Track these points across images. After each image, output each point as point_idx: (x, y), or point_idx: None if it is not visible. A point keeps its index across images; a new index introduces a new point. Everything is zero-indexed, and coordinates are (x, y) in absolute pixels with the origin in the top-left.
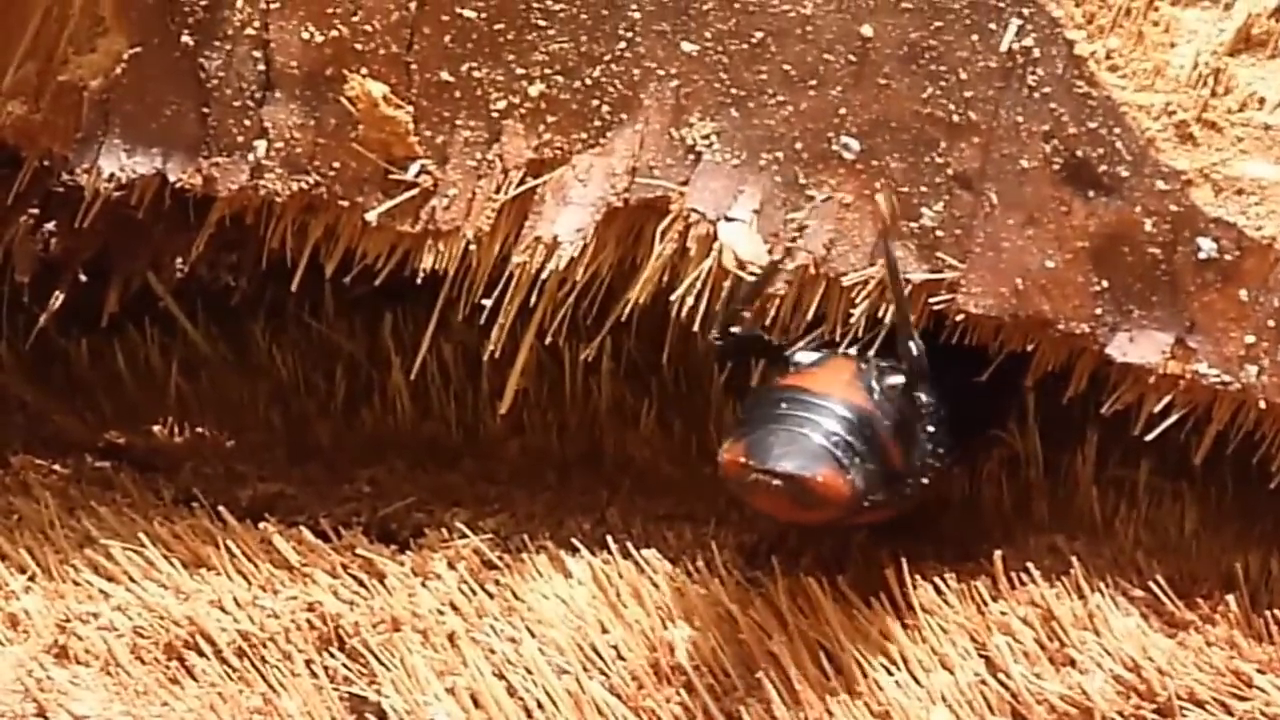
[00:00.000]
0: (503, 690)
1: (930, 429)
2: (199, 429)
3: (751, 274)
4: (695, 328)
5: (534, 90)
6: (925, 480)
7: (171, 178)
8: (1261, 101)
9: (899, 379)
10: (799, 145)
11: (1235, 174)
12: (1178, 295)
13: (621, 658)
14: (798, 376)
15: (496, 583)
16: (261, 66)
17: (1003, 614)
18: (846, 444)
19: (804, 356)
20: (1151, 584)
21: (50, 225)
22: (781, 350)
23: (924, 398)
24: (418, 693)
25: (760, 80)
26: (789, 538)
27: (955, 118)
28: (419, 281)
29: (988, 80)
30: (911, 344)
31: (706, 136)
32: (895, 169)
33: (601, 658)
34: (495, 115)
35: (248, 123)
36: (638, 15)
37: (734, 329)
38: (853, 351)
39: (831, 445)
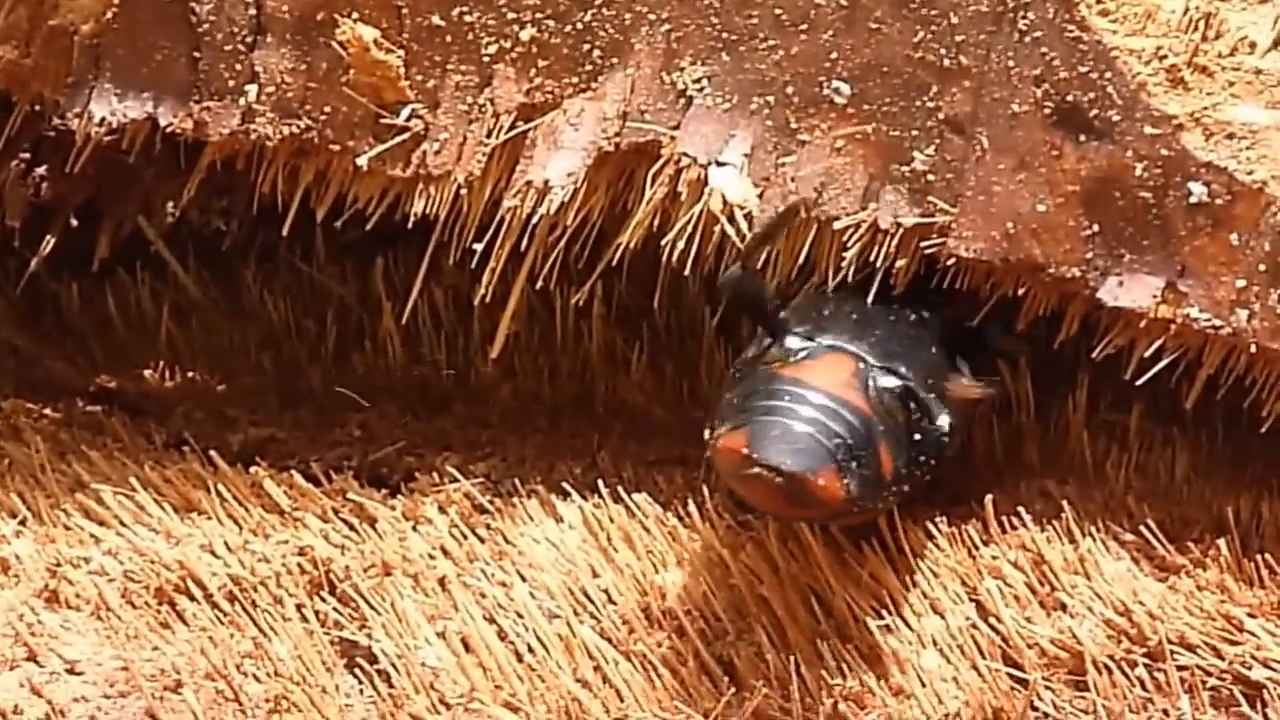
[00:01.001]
0: (493, 634)
1: (917, 437)
2: (190, 373)
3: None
4: (687, 271)
5: (525, 35)
6: (906, 489)
7: (162, 122)
8: (1252, 46)
9: (896, 382)
10: (790, 89)
11: (1226, 118)
12: (1168, 239)
13: (612, 602)
14: (798, 369)
15: (487, 527)
16: (252, 11)
17: (994, 558)
18: (848, 448)
19: (796, 343)
20: (1142, 528)
21: (41, 170)
22: (777, 315)
23: (915, 405)
24: (408, 637)
25: (751, 24)
26: None
27: (946, 62)
28: (410, 226)
29: (979, 25)
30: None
31: (698, 81)
32: (886, 113)
33: (592, 602)
34: (486, 60)
35: (239, 67)
36: None
37: (744, 269)
38: (852, 349)
39: (834, 448)
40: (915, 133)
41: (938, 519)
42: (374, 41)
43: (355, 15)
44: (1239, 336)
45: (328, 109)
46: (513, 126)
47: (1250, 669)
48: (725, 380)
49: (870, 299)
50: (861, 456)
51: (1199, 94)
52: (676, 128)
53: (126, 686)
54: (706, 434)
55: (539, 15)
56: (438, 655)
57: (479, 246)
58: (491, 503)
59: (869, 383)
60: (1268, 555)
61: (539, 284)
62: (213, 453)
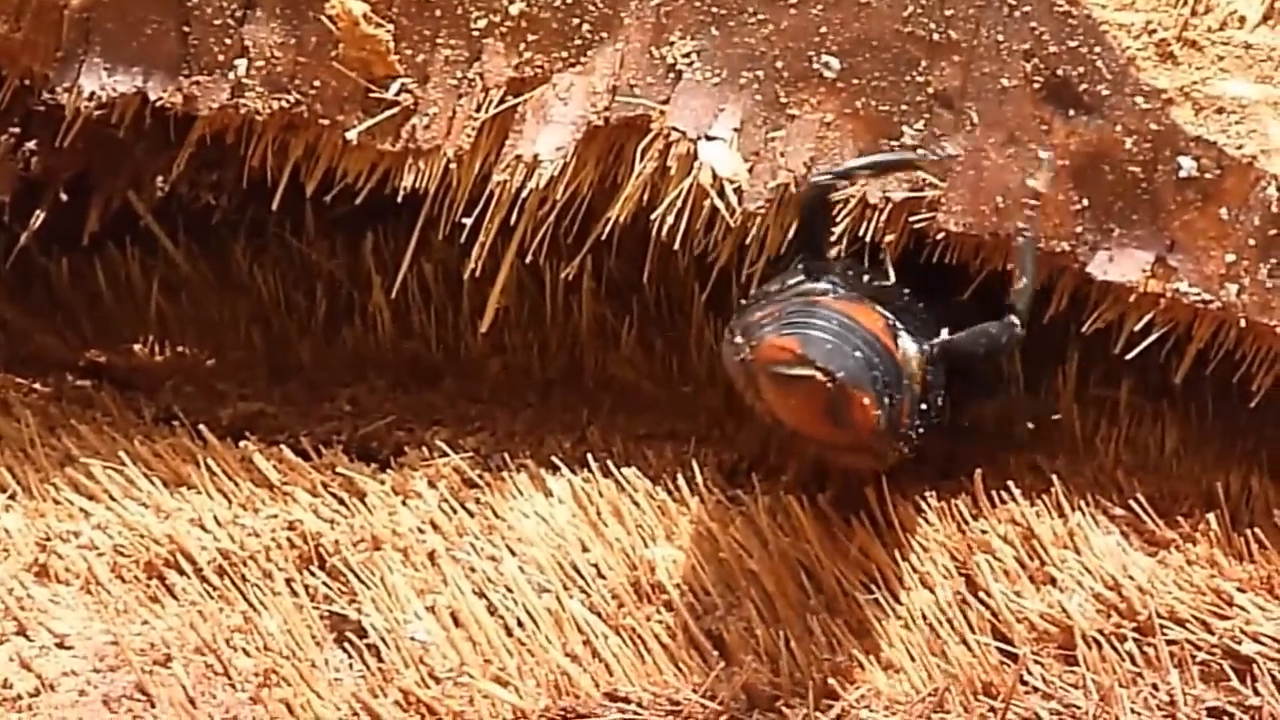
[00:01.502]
0: (483, 608)
1: (923, 406)
2: (180, 348)
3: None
4: (676, 245)
5: (515, 8)
6: (904, 449)
7: (152, 96)
8: (1242, 20)
9: (915, 348)
10: (779, 64)
11: (1216, 93)
12: (1158, 214)
13: (602, 576)
14: (845, 304)
15: (477, 501)
16: None
17: (983, 532)
18: (885, 383)
19: (831, 285)
20: (1132, 502)
21: (31, 144)
22: (826, 251)
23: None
24: (398, 611)
25: None
26: (769, 456)
27: (936, 36)
28: (399, 200)
29: None
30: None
31: (687, 55)
32: (876, 88)
33: (582, 576)
34: (476, 34)
35: (228, 41)
36: None
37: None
38: (880, 310)
39: (876, 377)
40: (904, 107)
41: (927, 494)
42: (363, 16)
43: None
44: (1228, 311)
45: (317, 83)
46: (502, 101)
47: (1240, 643)
48: (747, 303)
49: (893, 279)
50: (894, 396)
51: (1188, 68)
52: (666, 102)
53: (116, 661)
54: (735, 345)
55: None
56: (427, 629)
57: (468, 221)
58: (481, 477)
59: (897, 339)
60: (1257, 530)
61: (528, 258)
62: (202, 427)
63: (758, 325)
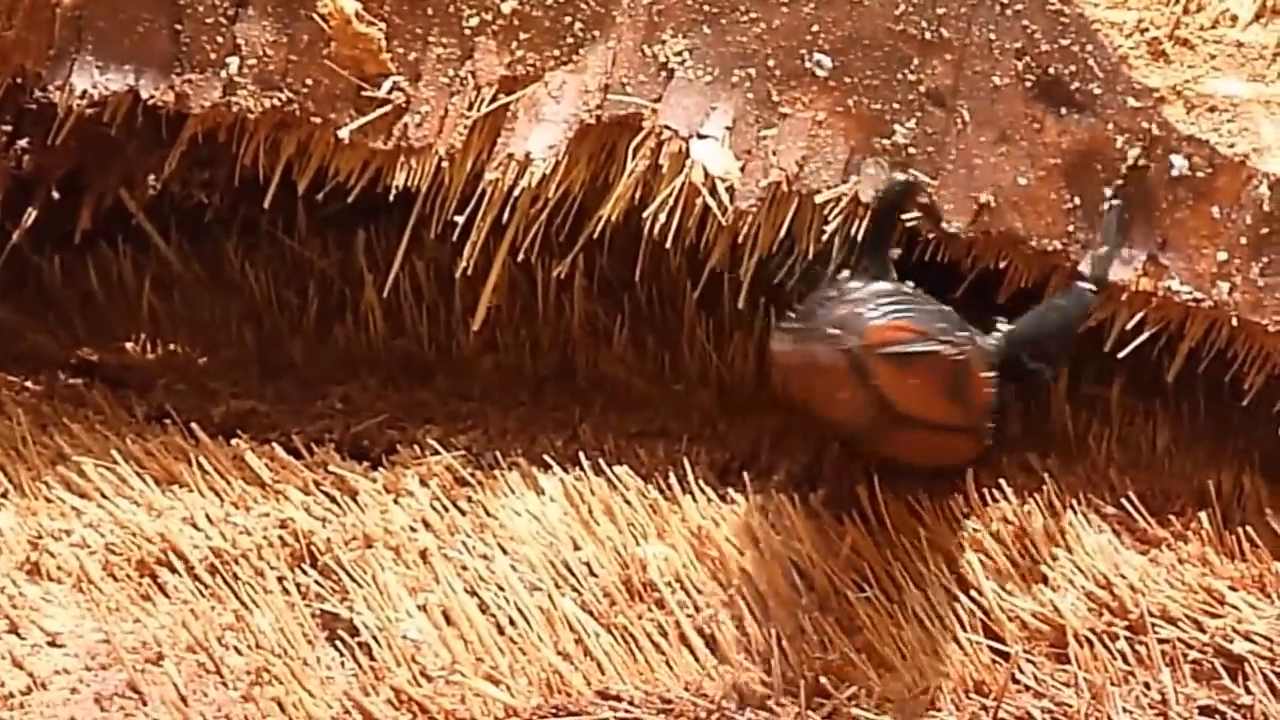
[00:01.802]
0: (475, 607)
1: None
2: (171, 346)
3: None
4: (668, 244)
5: (507, 7)
6: (985, 440)
7: (144, 94)
8: (1234, 19)
9: (993, 344)
10: (771, 62)
11: (1207, 91)
12: (1150, 212)
13: (594, 574)
14: (930, 297)
15: (469, 499)
16: None
17: (975, 531)
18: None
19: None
20: (1124, 501)
21: (23, 142)
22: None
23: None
24: (390, 609)
25: None
26: (761, 455)
27: (928, 35)
28: (391, 199)
29: None
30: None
31: (679, 53)
32: (868, 86)
33: (574, 574)
34: (468, 32)
35: (220, 39)
36: None
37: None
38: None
39: (986, 354)
40: (896, 106)
41: (919, 492)
42: (355, 14)
43: None
44: (1220, 309)
45: (309, 81)
46: (494, 99)
47: (1231, 642)
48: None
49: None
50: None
51: (1180, 67)
52: (658, 100)
53: (108, 659)
54: (831, 337)
55: None
56: (419, 627)
57: (460, 219)
58: (473, 475)
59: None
60: (1249, 528)
61: (520, 257)
62: (194, 425)
63: (855, 317)
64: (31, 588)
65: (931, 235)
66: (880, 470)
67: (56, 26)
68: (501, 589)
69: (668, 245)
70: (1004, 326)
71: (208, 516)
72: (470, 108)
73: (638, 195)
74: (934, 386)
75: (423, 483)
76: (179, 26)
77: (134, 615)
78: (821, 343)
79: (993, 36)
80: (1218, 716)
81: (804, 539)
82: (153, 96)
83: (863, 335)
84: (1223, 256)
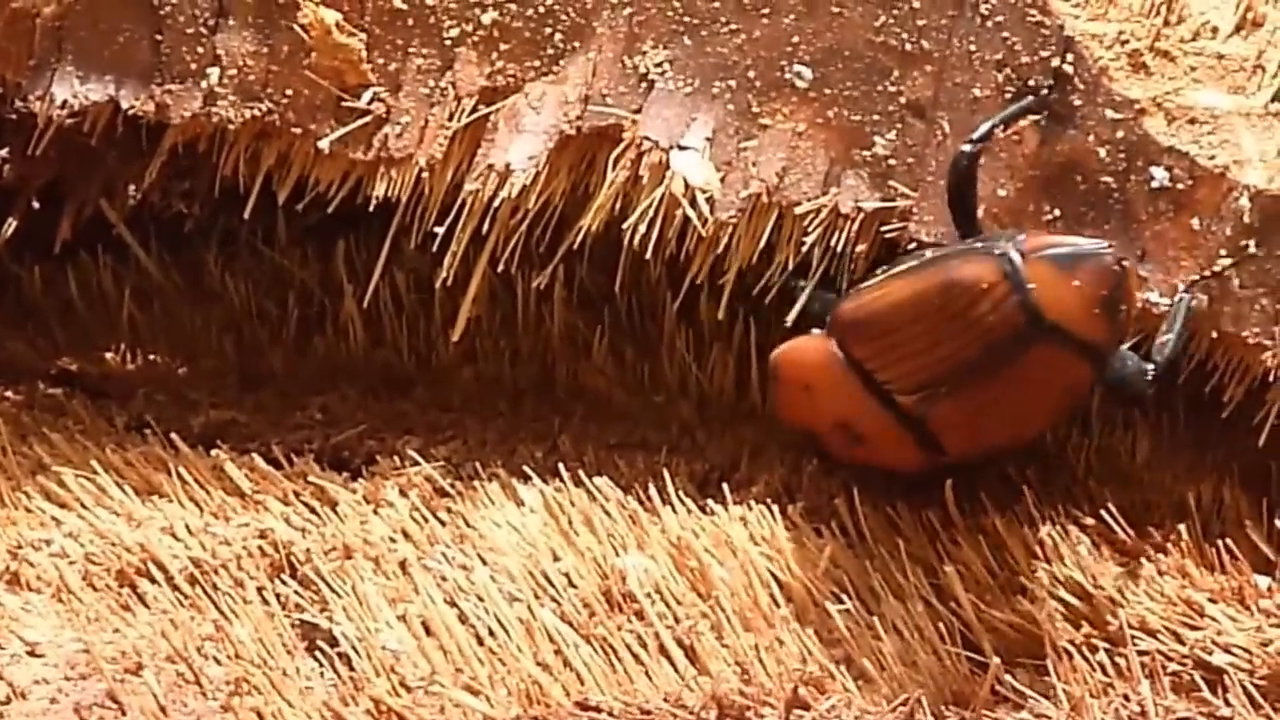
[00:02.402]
0: (454, 618)
1: None
2: (151, 356)
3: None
4: (648, 255)
5: (487, 18)
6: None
7: (124, 105)
8: (1214, 30)
9: None
10: (752, 73)
11: (1188, 103)
12: (1130, 224)
13: (573, 585)
14: None
15: (448, 510)
16: None
17: (954, 542)
18: None
19: None
20: (1103, 512)
21: (3, 152)
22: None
23: None
24: (369, 620)
25: (713, 8)
26: (740, 466)
27: (908, 46)
28: (371, 209)
29: (940, 9)
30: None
31: (659, 64)
32: (848, 97)
33: (553, 585)
34: (448, 43)
35: (201, 50)
36: None
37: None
38: None
39: None
40: (877, 117)
41: (897, 503)
42: (336, 25)
43: None
44: (1200, 321)
45: (289, 92)
46: (474, 110)
47: (1211, 654)
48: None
49: None
50: None
51: (1161, 79)
52: (638, 111)
53: (87, 669)
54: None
55: None
56: (398, 638)
57: (440, 230)
58: (452, 486)
59: None
60: (1228, 540)
61: (500, 267)
62: (174, 435)
63: (1004, 235)
64: (11, 598)
65: (912, 246)
66: (859, 481)
67: (37, 37)
68: (481, 600)
69: (648, 256)
70: None
71: (187, 527)
72: (450, 118)
73: (618, 206)
74: (1093, 293)
75: (402, 493)
76: (159, 37)
77: (113, 625)
78: (962, 259)
79: (973, 48)
80: None
81: (783, 550)
82: (133, 107)
83: (1023, 241)
84: (1202, 268)
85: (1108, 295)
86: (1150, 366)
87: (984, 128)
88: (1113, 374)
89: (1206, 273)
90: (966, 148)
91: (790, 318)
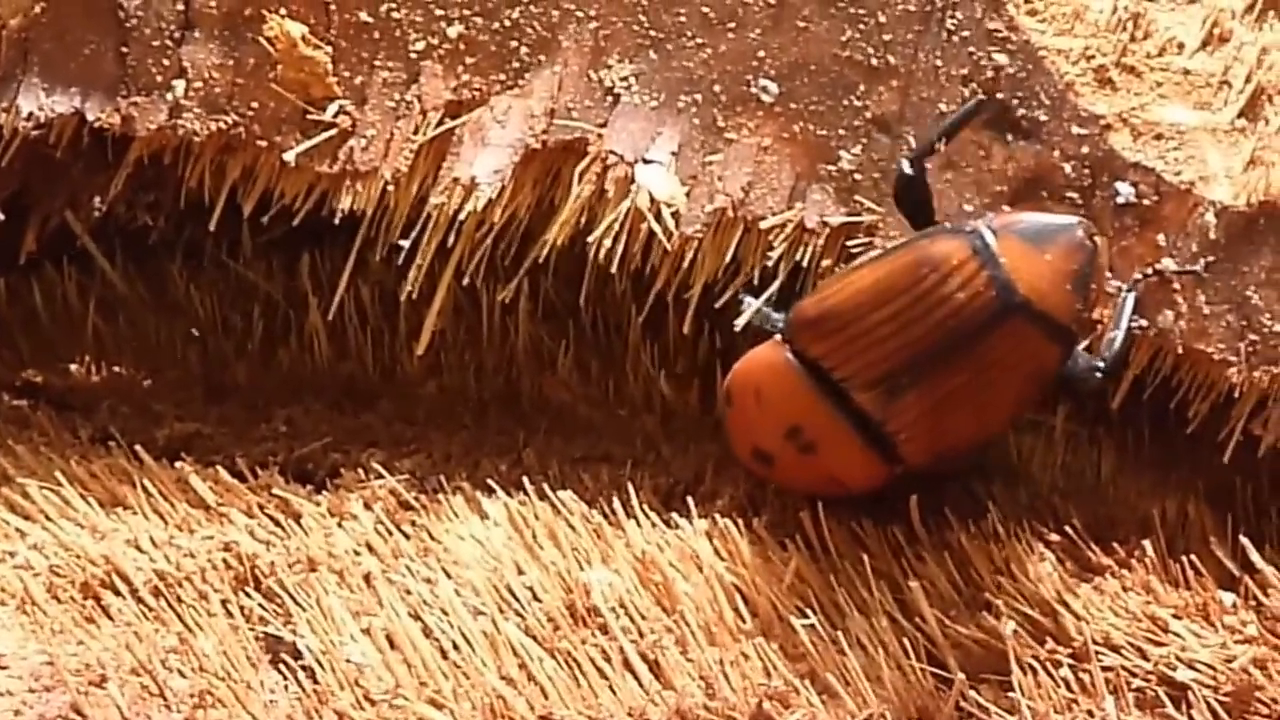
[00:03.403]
0: (418, 631)
1: None
2: (116, 368)
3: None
4: (613, 269)
5: (453, 31)
6: None
7: (90, 117)
8: (1181, 46)
9: None
10: (717, 88)
11: (1154, 118)
12: None
13: (537, 599)
14: None
15: (413, 523)
16: (180, 6)
17: (919, 558)
18: None
19: None
20: (1068, 528)
21: None
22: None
23: None
24: (333, 633)
25: (679, 22)
26: (705, 480)
27: (874, 61)
28: (337, 222)
29: (907, 24)
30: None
31: (625, 78)
32: (814, 112)
33: (517, 599)
34: (414, 56)
35: (166, 62)
36: None
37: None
38: None
39: None
40: (842, 132)
41: (862, 519)
42: (302, 37)
43: (283, 11)
44: (1165, 337)
45: (255, 105)
46: (440, 123)
47: (1175, 670)
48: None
49: None
50: None
51: (1127, 94)
52: (604, 125)
53: (51, 681)
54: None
55: (466, 12)
56: (362, 651)
57: (405, 243)
58: (417, 499)
59: None
60: (1193, 556)
61: (465, 281)
62: (138, 447)
63: (975, 214)
64: None
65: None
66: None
67: (2, 48)
68: (445, 613)
69: (613, 270)
70: None
71: (151, 539)
72: (416, 132)
73: (583, 220)
74: (1065, 267)
75: (367, 506)
76: (125, 49)
77: (78, 637)
78: (931, 238)
79: (939, 63)
80: None
81: (748, 564)
82: (98, 119)
83: (993, 218)
84: (1168, 284)
85: (1079, 270)
86: (1100, 364)
87: (925, 142)
88: (1064, 370)
89: (1149, 270)
90: (906, 167)
91: (738, 325)
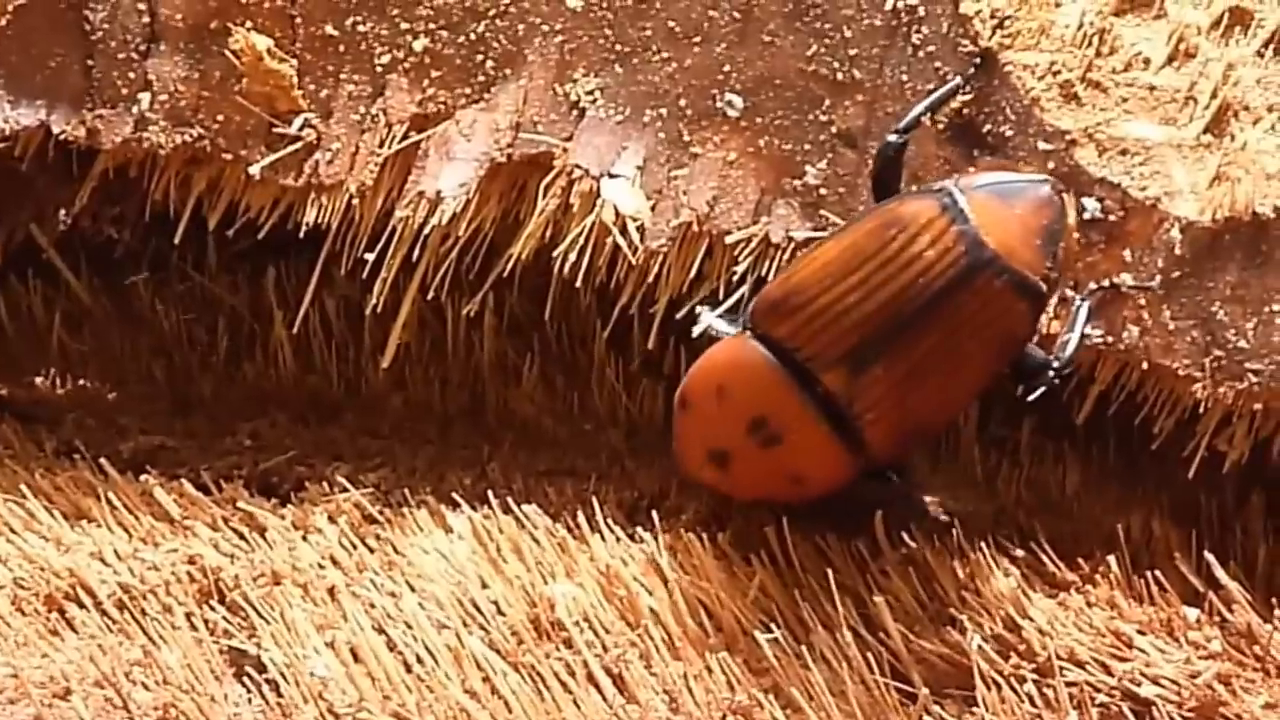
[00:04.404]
0: (382, 644)
1: None
2: (81, 381)
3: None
4: (578, 282)
5: (418, 45)
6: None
7: (55, 129)
8: (1146, 62)
9: None
10: (683, 102)
11: (1119, 134)
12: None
13: (501, 613)
14: None
15: (377, 537)
16: (146, 19)
17: (883, 573)
18: None
19: None
20: (1033, 544)
21: None
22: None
23: None
24: (298, 646)
25: (645, 36)
26: (670, 494)
27: (840, 75)
28: (302, 235)
29: (872, 38)
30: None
31: (590, 92)
32: (779, 126)
33: (481, 613)
34: (379, 69)
35: (132, 75)
36: None
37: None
38: None
39: None
40: (808, 146)
41: (827, 533)
42: (267, 50)
43: (249, 24)
44: (1130, 353)
45: (220, 118)
46: (405, 137)
47: (1139, 685)
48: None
49: None
50: None
51: (1092, 109)
52: (569, 139)
53: (15, 694)
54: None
55: (432, 25)
56: (326, 665)
57: (371, 256)
58: (381, 513)
59: None
60: (1157, 572)
61: (430, 294)
62: (103, 460)
63: (945, 177)
64: None
65: None
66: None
67: None
68: (409, 627)
69: (578, 284)
70: None
71: (116, 552)
72: (381, 145)
73: (548, 234)
74: (1034, 222)
75: (331, 520)
76: (91, 62)
77: (42, 650)
78: (900, 200)
79: (905, 78)
80: None
81: (712, 579)
82: (64, 131)
83: (960, 177)
84: (1134, 300)
85: (1047, 226)
86: (1054, 361)
87: (911, 115)
88: (1021, 365)
89: (1105, 283)
90: (893, 137)
91: (695, 332)
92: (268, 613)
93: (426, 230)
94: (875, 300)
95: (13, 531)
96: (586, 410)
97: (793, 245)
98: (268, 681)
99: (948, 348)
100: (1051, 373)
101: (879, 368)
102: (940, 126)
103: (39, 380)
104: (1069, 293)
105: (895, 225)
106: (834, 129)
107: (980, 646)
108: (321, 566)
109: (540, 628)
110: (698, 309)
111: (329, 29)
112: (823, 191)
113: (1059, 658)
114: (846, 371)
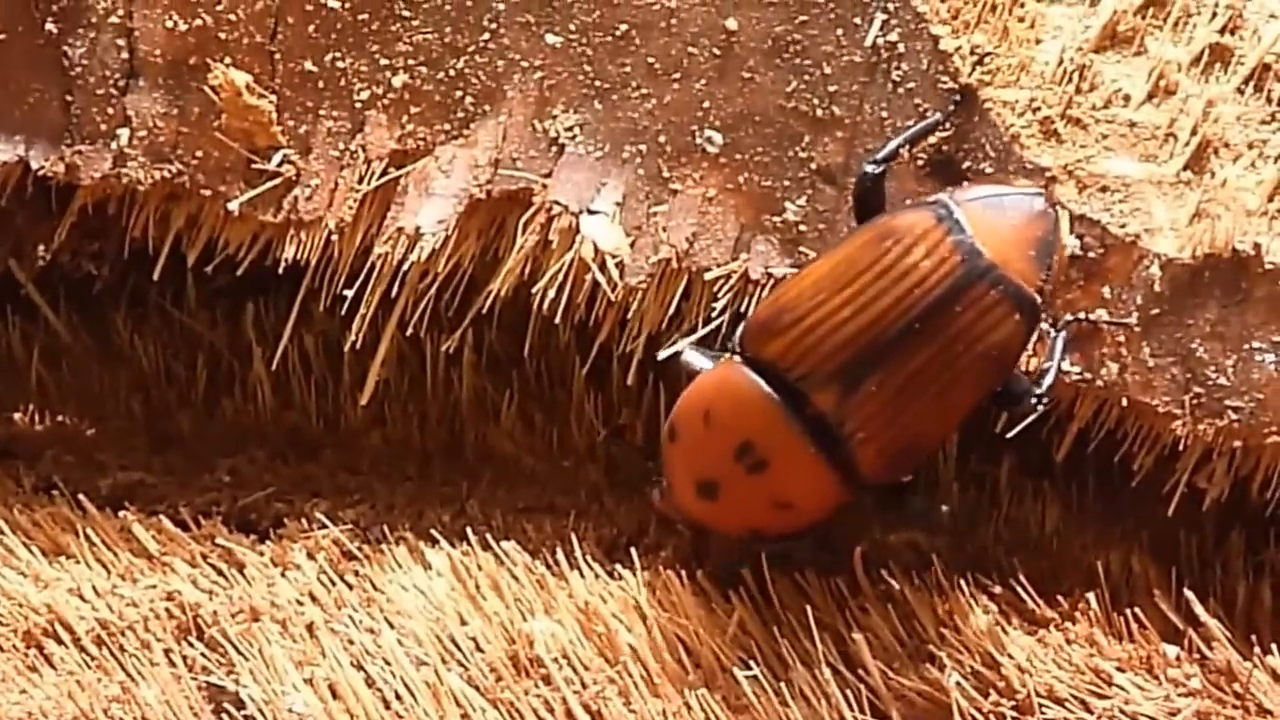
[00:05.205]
0: (361, 681)
1: None
2: (60, 417)
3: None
4: (557, 319)
5: (397, 81)
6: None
7: (34, 165)
8: (1126, 98)
9: None
10: (662, 138)
11: (1099, 170)
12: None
13: (480, 650)
14: None
15: (356, 573)
16: (125, 55)
17: (862, 610)
18: None
19: None
20: (1012, 581)
21: None
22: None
23: None
24: (276, 683)
25: (624, 73)
26: (649, 531)
27: (819, 112)
28: (281, 272)
29: (852, 75)
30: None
31: (570, 129)
32: (758, 163)
33: (460, 649)
34: (359, 105)
35: (111, 111)
36: (502, 6)
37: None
38: None
39: None
40: (787, 183)
41: (806, 570)
42: (246, 86)
43: (228, 60)
44: (1110, 390)
45: (199, 154)
46: (384, 173)
47: None
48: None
49: None
50: None
51: (1072, 146)
52: (548, 175)
53: None
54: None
55: (411, 61)
56: (305, 701)
57: (350, 293)
58: (360, 549)
59: None
60: (1137, 609)
61: (409, 331)
62: (82, 496)
63: (940, 190)
64: None
65: None
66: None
67: None
68: (388, 663)
69: (557, 321)
70: None
71: (94, 588)
72: (360, 181)
73: (527, 270)
74: (1028, 234)
75: (310, 556)
76: (69, 97)
77: (20, 686)
78: (894, 213)
79: (885, 114)
80: None
81: (691, 615)
82: (43, 167)
83: (955, 190)
84: (1113, 336)
85: (1041, 237)
86: (1037, 390)
87: (890, 146)
88: (1004, 390)
89: (1081, 315)
90: (870, 167)
91: (662, 355)
92: (246, 649)
93: (405, 266)
94: (869, 314)
95: None
96: (565, 447)
97: (772, 281)
98: (246, 718)
99: (942, 361)
100: (1034, 400)
101: (871, 384)
102: (920, 162)
103: (17, 416)
104: (1043, 325)
105: (890, 237)
106: (814, 165)
107: (959, 684)
108: (300, 603)
109: (519, 664)
110: (673, 339)
111: (308, 65)
112: (802, 228)
113: (1038, 695)
114: (838, 389)
